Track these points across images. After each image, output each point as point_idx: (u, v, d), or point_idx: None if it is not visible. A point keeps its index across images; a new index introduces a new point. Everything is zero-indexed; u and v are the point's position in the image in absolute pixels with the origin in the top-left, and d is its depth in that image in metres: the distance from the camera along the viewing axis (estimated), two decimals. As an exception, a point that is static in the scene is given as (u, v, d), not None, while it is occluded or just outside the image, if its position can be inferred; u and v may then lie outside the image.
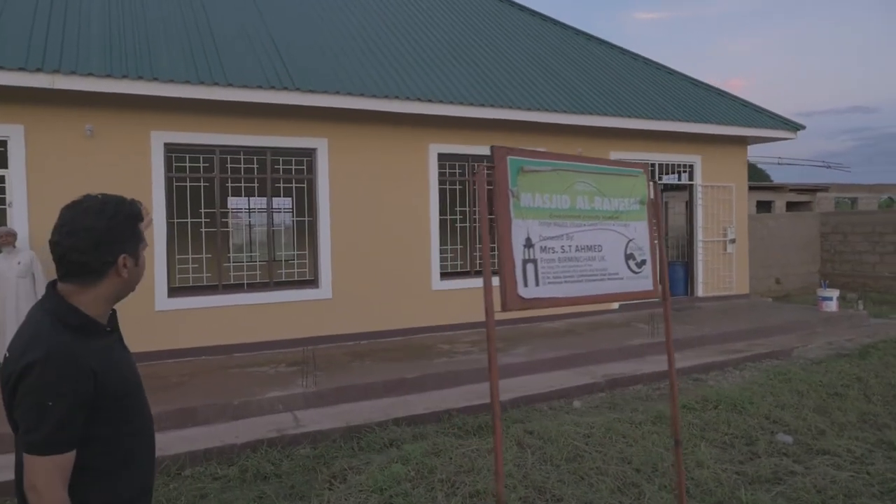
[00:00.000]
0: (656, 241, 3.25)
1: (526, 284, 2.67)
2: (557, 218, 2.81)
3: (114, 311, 1.77)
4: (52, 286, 1.67)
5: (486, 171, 2.62)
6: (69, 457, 1.52)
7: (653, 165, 10.98)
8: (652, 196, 3.25)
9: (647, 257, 3.19)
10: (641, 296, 3.19)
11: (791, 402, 5.72)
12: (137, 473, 1.72)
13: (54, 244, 1.61)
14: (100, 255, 1.61)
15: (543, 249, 2.75)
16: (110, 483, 1.64)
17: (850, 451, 4.61)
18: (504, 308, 2.63)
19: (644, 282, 3.17)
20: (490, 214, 2.66)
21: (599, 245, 2.97)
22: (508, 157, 2.67)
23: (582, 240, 2.90)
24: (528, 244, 2.71)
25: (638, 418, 5.32)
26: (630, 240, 3.11)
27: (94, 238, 1.60)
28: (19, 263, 6.46)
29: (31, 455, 1.50)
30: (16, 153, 6.92)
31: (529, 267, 2.70)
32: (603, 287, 2.98)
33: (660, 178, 11.30)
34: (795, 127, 11.94)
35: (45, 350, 1.51)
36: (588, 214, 2.94)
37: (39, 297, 6.50)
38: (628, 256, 3.10)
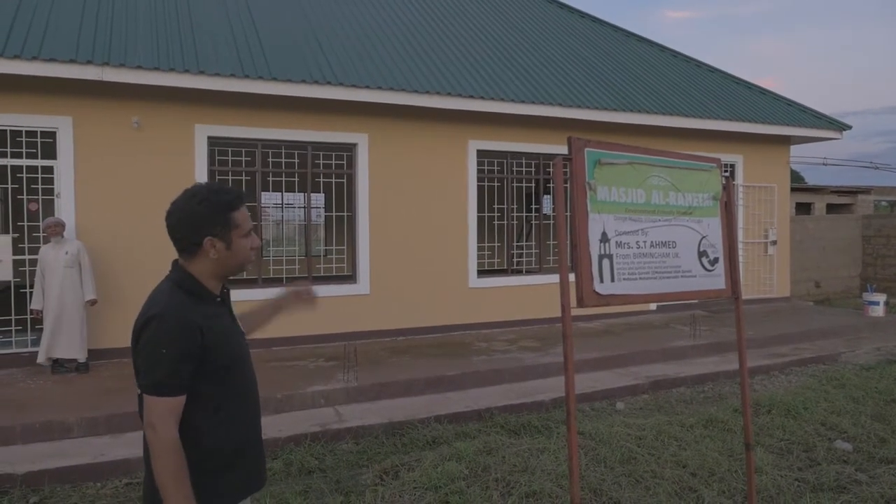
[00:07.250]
0: (728, 239, 3.14)
1: (602, 280, 2.59)
2: (633, 212, 2.73)
3: (226, 289, 1.98)
4: (175, 261, 1.91)
5: (563, 164, 2.55)
6: (179, 401, 1.73)
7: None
8: (725, 192, 3.14)
9: (720, 255, 3.08)
10: (713, 295, 3.09)
11: (847, 408, 5.54)
12: (234, 433, 1.87)
13: (165, 223, 1.87)
14: (187, 235, 1.83)
15: (619, 245, 2.67)
16: (208, 439, 1.81)
17: (915, 461, 4.43)
18: (580, 304, 2.55)
19: (716, 280, 3.07)
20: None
21: (674, 241, 2.88)
22: (586, 149, 2.59)
23: (656, 235, 2.81)
24: (604, 239, 2.62)
25: (689, 421, 5.19)
26: (703, 236, 3.01)
27: (182, 220, 1.83)
28: (67, 253, 6.52)
29: (147, 395, 1.72)
30: (64, 144, 7.00)
31: (605, 262, 2.61)
32: (676, 285, 2.88)
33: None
34: (841, 126, 11.62)
35: (162, 308, 1.76)
36: (663, 210, 2.84)
37: (85, 287, 6.48)
38: (701, 254, 3.00)
